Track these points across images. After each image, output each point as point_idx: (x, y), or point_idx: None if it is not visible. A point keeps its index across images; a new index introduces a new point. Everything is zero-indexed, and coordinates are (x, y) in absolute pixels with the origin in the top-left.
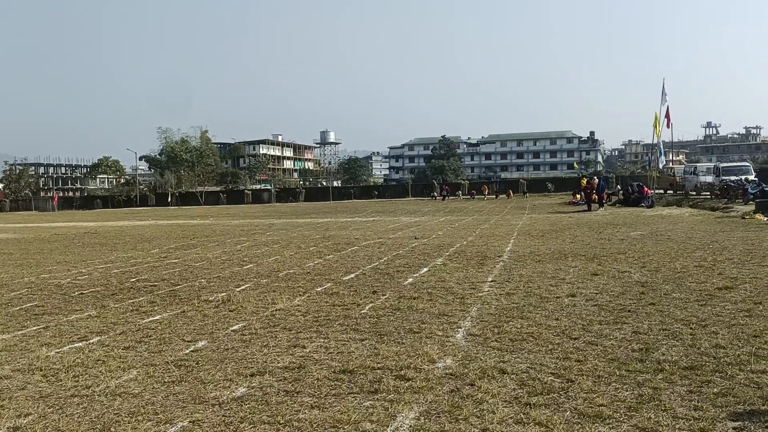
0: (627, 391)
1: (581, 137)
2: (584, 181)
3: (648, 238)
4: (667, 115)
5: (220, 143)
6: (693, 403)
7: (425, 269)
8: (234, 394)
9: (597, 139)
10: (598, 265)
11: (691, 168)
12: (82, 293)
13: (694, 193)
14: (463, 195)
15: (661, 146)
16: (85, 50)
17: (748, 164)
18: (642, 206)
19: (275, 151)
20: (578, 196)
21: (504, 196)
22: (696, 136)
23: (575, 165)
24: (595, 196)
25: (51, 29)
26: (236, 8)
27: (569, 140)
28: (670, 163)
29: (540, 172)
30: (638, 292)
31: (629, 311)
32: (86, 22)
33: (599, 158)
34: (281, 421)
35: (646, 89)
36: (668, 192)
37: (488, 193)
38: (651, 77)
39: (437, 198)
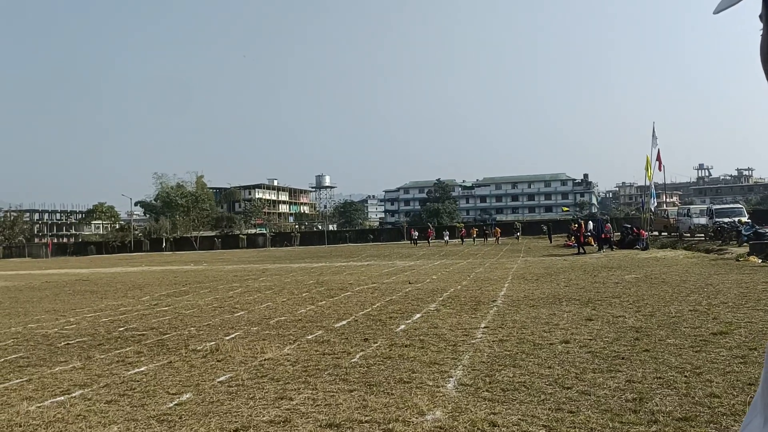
0: None
1: (575, 179)
2: (575, 225)
3: (643, 282)
4: (659, 158)
5: (216, 188)
6: None
7: (418, 315)
8: None
9: (591, 182)
10: (593, 310)
11: (684, 210)
12: (68, 343)
13: (689, 234)
14: (450, 238)
15: (653, 188)
16: (80, 97)
17: (741, 206)
18: (637, 248)
19: (271, 196)
20: (572, 238)
21: (493, 239)
22: (689, 178)
23: (564, 209)
24: (591, 239)
25: (45, 72)
26: (228, 54)
27: (563, 182)
28: (664, 205)
29: (535, 214)
30: (632, 338)
31: (623, 358)
32: (79, 65)
33: (593, 200)
34: None
35: (638, 132)
36: (663, 234)
37: (477, 236)
38: (643, 120)
39: (414, 242)
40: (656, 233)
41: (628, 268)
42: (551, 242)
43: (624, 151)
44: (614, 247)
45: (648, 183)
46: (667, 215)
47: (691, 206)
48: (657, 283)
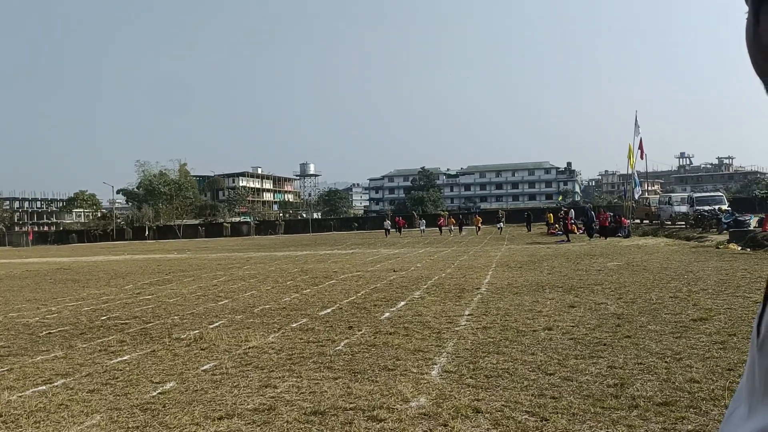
0: (601, 429)
1: (559, 168)
2: (551, 216)
3: (624, 269)
4: (641, 147)
5: (199, 176)
6: None
7: (402, 303)
8: None
9: (574, 170)
10: (575, 297)
11: (665, 198)
12: (50, 333)
13: (670, 222)
14: (427, 227)
15: (636, 177)
16: (62, 84)
17: (721, 194)
18: (619, 236)
19: (255, 184)
20: (557, 226)
21: (474, 227)
22: (670, 166)
23: (560, 198)
24: (574, 227)
25: (23, 58)
26: (214, 41)
27: (547, 171)
28: (646, 194)
29: (519, 202)
30: (614, 324)
31: (605, 345)
32: (63, 51)
33: (577, 188)
34: None
35: (621, 121)
36: (644, 222)
37: (454, 225)
38: (625, 109)
39: (389, 232)
40: (638, 221)
41: (610, 256)
42: (529, 230)
43: (607, 140)
44: (605, 236)
45: (630, 171)
46: (649, 203)
47: (673, 194)
48: (638, 270)
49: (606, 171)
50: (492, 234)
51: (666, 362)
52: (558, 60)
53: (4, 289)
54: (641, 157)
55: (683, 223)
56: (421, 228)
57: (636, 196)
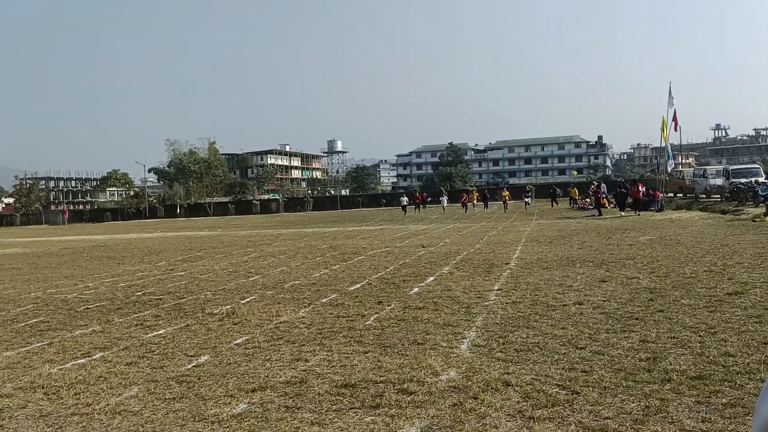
0: (633, 402)
1: (589, 142)
2: (575, 191)
3: (657, 243)
4: (675, 119)
5: (228, 154)
6: (701, 414)
7: (431, 278)
8: (234, 410)
9: (605, 144)
10: (606, 272)
11: (700, 171)
12: (87, 308)
13: (704, 196)
14: (446, 203)
15: (669, 149)
16: (94, 66)
17: (758, 166)
18: (652, 210)
19: (283, 161)
20: (587, 201)
21: (502, 204)
22: (705, 138)
23: (574, 172)
24: (606, 201)
25: (62, 45)
26: (243, 21)
27: (577, 145)
28: (680, 166)
29: (548, 177)
30: (647, 298)
31: (637, 319)
32: (94, 37)
33: (608, 162)
34: None
35: (654, 93)
36: (678, 195)
37: (477, 201)
38: (658, 80)
39: (406, 209)
40: (671, 195)
41: (642, 230)
42: (554, 206)
43: (640, 113)
44: (638, 210)
45: (664, 144)
46: (683, 176)
47: (707, 167)
48: (672, 244)
49: (638, 144)
50: (520, 210)
51: (700, 336)
52: (588, 31)
53: (43, 266)
54: (675, 129)
55: (718, 196)
56: (444, 205)
57: (669, 169)
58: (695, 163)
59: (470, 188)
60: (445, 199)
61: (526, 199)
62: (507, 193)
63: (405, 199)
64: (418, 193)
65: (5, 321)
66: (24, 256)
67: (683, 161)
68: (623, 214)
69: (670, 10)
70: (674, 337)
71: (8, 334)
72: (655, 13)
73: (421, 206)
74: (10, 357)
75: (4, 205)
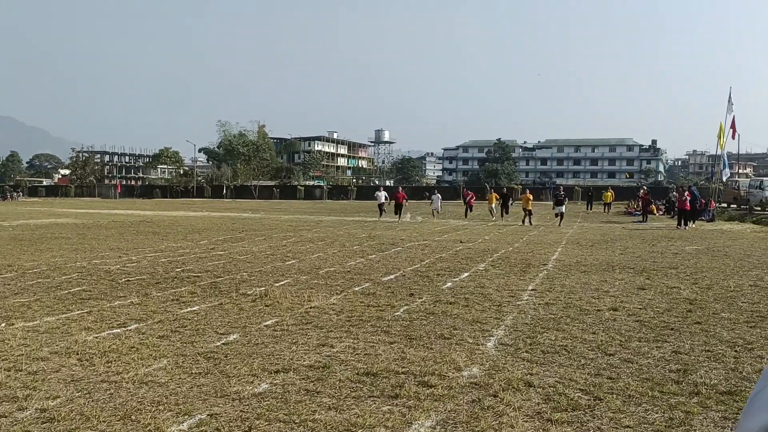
0: (657, 413)
1: (642, 145)
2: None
3: (703, 254)
4: (733, 126)
5: (277, 138)
6: (726, 430)
7: (466, 274)
8: (256, 389)
9: (659, 148)
10: (647, 279)
11: (756, 182)
12: (128, 280)
13: (759, 208)
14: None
15: (726, 158)
16: (150, 48)
17: None
18: (702, 219)
19: (330, 148)
20: (635, 206)
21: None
22: (766, 148)
23: (627, 175)
24: (653, 207)
25: (121, 25)
26: (299, 11)
27: (629, 148)
28: (736, 176)
29: (597, 179)
30: (685, 309)
31: (672, 329)
32: (161, 21)
33: (660, 168)
34: (296, 421)
35: (713, 99)
36: (731, 206)
37: (498, 202)
38: (718, 87)
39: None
40: (725, 205)
41: (689, 240)
42: (589, 209)
43: (697, 118)
44: (686, 221)
45: (720, 152)
46: (738, 187)
47: (764, 178)
48: (719, 255)
49: (694, 151)
50: (549, 221)
51: (736, 351)
52: (645, 31)
53: (91, 237)
54: (733, 137)
55: None
56: (437, 206)
57: (724, 179)
58: (752, 174)
59: (515, 186)
60: (438, 198)
61: (561, 208)
62: (529, 196)
63: (383, 195)
64: (401, 190)
65: (50, 288)
66: (74, 226)
67: (740, 171)
68: (693, 225)
69: (735, 14)
70: (708, 350)
71: (51, 300)
72: (719, 17)
73: (402, 209)
74: (50, 322)
75: (60, 176)
